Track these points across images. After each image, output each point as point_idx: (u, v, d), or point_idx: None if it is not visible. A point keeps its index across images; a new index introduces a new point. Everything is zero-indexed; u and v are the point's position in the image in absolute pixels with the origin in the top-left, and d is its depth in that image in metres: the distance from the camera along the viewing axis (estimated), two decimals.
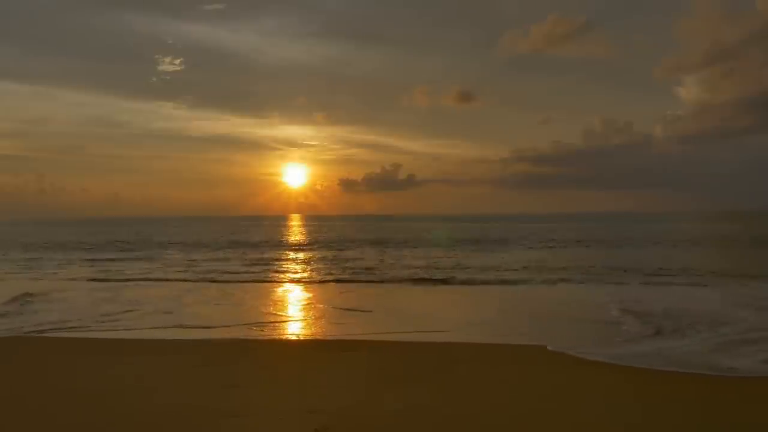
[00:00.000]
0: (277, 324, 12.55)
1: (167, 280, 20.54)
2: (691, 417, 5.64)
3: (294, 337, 10.95)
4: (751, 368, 7.82)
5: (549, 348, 9.01)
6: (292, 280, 20.30)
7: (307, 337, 10.83)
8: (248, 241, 47.42)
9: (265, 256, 31.60)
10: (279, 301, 16.17)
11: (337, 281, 19.81)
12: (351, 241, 46.98)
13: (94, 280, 20.60)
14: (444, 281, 19.14)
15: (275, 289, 18.44)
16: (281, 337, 10.87)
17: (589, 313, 12.77)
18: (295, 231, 72.08)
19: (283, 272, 22.95)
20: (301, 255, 32.37)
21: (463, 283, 18.77)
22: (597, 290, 16.44)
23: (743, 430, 5.34)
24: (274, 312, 14.33)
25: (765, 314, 11.83)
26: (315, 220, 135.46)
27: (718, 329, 10.26)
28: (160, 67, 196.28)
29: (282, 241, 47.66)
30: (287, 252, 35.10)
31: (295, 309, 15.13)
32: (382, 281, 19.53)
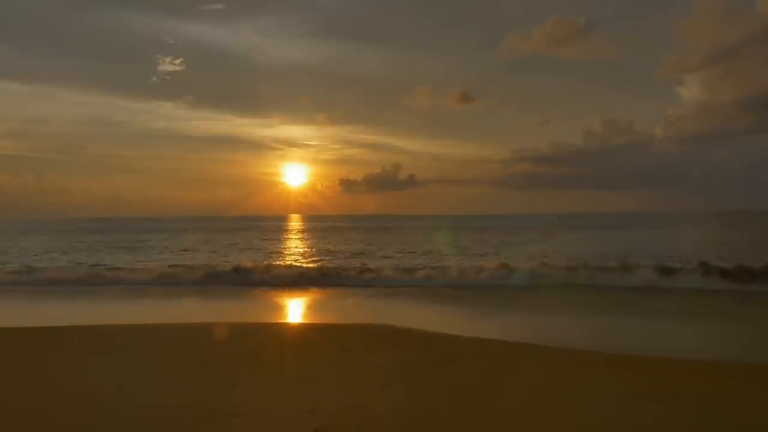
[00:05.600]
0: (276, 323, 12.53)
1: None
2: (706, 410, 5.62)
3: (294, 337, 10.92)
4: None
5: (556, 344, 9.00)
6: None
7: (307, 337, 10.80)
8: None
9: None
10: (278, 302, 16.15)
11: None
12: None
13: None
14: None
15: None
16: (281, 336, 10.83)
17: None
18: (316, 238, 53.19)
19: None
20: None
21: None
22: None
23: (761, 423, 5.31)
24: (274, 312, 14.32)
25: None
26: (317, 221, 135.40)
27: None
28: (160, 67, 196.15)
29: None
30: None
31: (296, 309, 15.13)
32: None
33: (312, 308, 15.25)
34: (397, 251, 34.14)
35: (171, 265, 23.60)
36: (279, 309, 15.39)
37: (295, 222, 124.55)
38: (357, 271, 21.31)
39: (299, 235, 61.17)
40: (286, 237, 58.05)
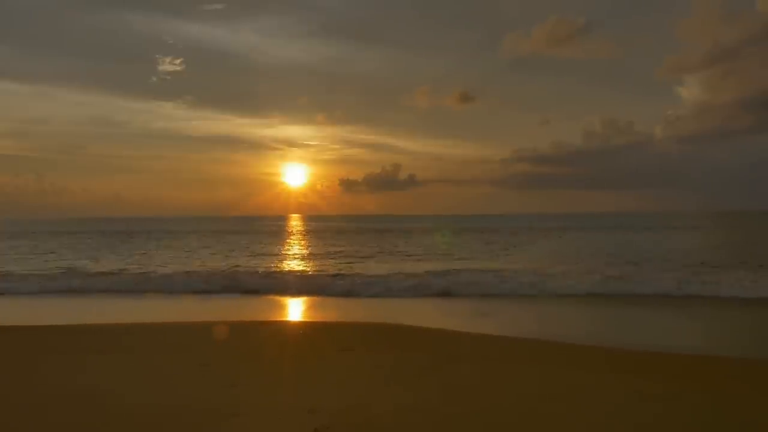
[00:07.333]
0: (276, 322, 12.52)
1: None
2: (706, 410, 5.61)
3: (294, 336, 10.91)
4: None
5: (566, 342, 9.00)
6: None
7: (308, 336, 10.80)
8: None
9: None
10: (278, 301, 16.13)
11: None
12: None
13: None
14: None
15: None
16: (281, 336, 10.82)
17: None
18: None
19: None
20: None
21: None
22: None
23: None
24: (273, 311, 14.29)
25: None
26: (317, 221, 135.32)
27: None
28: (160, 67, 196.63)
29: None
30: None
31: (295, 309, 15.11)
32: None
33: (312, 307, 15.24)
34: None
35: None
36: (279, 308, 15.38)
37: (298, 222, 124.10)
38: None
39: (333, 240, 52.05)
40: (319, 241, 49.88)
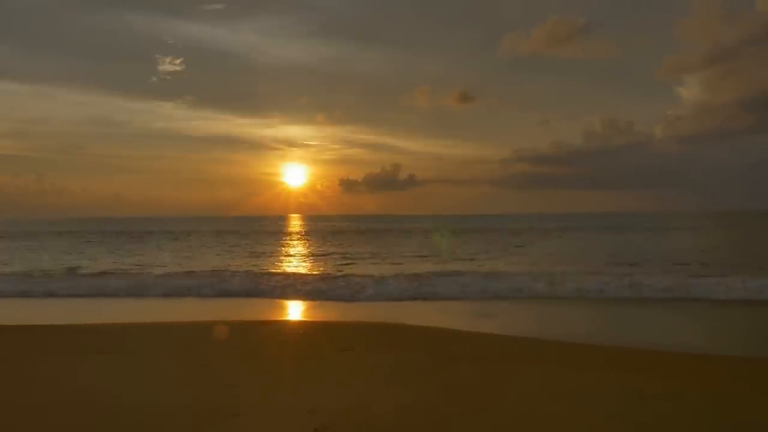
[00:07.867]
0: (276, 322, 12.51)
1: None
2: (706, 410, 5.60)
3: (294, 336, 10.91)
4: None
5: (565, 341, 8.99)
6: None
7: (308, 336, 10.79)
8: None
9: None
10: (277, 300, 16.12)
11: None
12: None
13: None
14: None
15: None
16: (281, 335, 10.82)
17: None
18: None
19: None
20: None
21: None
22: None
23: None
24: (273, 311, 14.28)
25: None
26: (317, 221, 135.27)
27: None
28: (160, 67, 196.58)
29: None
30: None
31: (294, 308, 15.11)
32: None
33: (312, 307, 15.23)
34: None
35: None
36: (279, 308, 15.37)
37: (298, 222, 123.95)
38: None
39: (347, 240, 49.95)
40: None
